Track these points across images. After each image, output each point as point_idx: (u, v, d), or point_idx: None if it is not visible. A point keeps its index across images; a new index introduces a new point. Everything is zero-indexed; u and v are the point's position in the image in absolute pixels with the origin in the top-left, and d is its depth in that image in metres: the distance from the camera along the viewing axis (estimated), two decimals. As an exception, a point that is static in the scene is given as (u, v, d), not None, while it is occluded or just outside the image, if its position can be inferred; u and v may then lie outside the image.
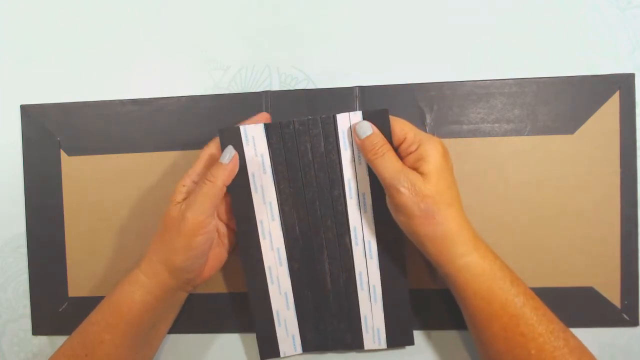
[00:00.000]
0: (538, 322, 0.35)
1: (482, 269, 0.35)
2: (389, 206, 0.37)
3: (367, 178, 0.39)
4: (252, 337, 0.44)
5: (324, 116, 0.38)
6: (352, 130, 0.38)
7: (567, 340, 0.34)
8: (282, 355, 0.41)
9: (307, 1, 0.45)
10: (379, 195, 0.38)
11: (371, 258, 0.40)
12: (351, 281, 0.40)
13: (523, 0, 0.43)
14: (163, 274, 0.38)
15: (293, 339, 0.41)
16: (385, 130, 0.37)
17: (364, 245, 0.39)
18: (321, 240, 0.40)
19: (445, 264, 0.36)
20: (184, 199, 0.37)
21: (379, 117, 0.37)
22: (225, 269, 0.44)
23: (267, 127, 0.38)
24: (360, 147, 0.37)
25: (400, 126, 0.37)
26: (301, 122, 0.38)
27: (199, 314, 0.44)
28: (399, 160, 0.36)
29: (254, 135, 0.38)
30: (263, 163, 0.39)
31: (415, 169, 0.35)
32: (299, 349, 0.41)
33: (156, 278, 0.38)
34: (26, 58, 0.46)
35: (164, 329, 0.41)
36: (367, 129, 0.37)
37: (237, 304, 0.44)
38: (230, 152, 0.37)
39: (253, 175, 0.39)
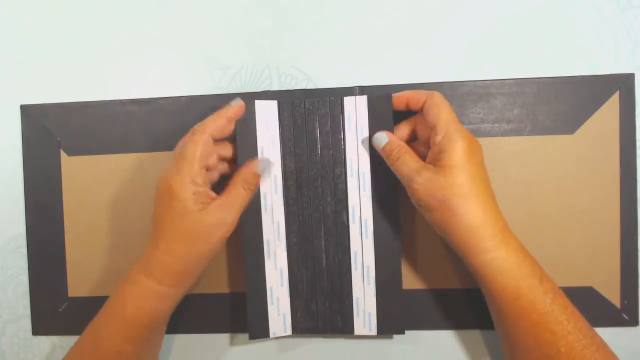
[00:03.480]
0: (567, 320, 0.34)
1: (509, 265, 0.35)
2: (415, 205, 0.37)
3: (368, 158, 0.40)
4: (246, 337, 0.44)
5: (332, 98, 0.40)
6: (373, 142, 0.39)
7: (594, 338, 0.35)
8: (271, 335, 0.41)
9: (307, 1, 0.45)
10: (379, 175, 0.40)
11: (367, 237, 0.40)
12: (346, 260, 0.41)
13: (523, 0, 0.43)
14: (188, 279, 0.38)
15: (284, 318, 0.41)
16: (387, 115, 0.39)
17: (360, 223, 0.40)
18: (320, 217, 0.41)
19: (470, 257, 0.36)
20: (204, 203, 0.37)
21: (382, 102, 0.39)
22: (226, 269, 0.44)
23: (280, 104, 0.40)
24: (382, 155, 0.39)
25: (435, 111, 0.37)
26: (311, 102, 0.40)
27: (198, 314, 0.44)
28: (416, 160, 0.37)
29: (266, 111, 0.40)
30: (272, 138, 0.41)
31: (437, 161, 0.36)
32: (289, 330, 0.41)
33: (181, 287, 0.38)
34: (26, 58, 0.46)
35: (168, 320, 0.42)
36: (384, 138, 0.38)
37: (236, 304, 0.44)
38: (268, 164, 0.40)
39: (262, 149, 0.40)
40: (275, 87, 0.44)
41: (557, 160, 0.42)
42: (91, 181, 0.45)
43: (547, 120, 0.42)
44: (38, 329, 0.45)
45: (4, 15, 0.46)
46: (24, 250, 0.45)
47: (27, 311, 0.45)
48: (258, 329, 0.41)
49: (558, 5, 0.43)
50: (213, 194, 0.38)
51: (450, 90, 0.43)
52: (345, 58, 0.44)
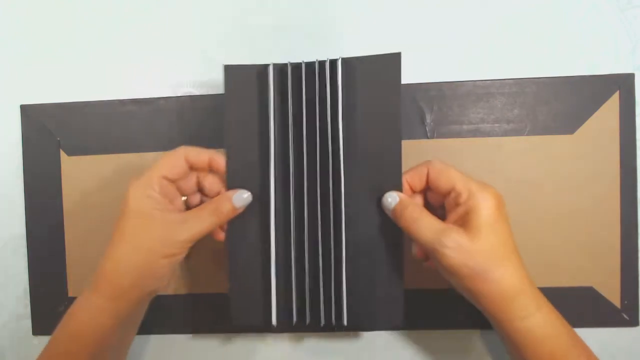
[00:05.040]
0: None
1: (544, 332, 0.33)
2: (438, 269, 0.35)
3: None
4: (246, 338, 0.44)
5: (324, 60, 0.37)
6: (382, 203, 0.36)
7: None
8: (255, 322, 0.38)
9: (307, 1, 0.45)
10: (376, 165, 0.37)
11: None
12: (339, 252, 0.37)
13: (523, 0, 0.43)
14: (135, 292, 0.35)
15: (269, 307, 0.38)
16: (395, 80, 0.36)
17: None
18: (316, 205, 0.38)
19: (502, 323, 0.33)
20: (157, 210, 0.35)
21: (389, 62, 0.37)
22: (223, 269, 0.44)
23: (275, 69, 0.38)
24: (393, 218, 0.36)
25: (447, 174, 0.35)
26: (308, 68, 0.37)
27: (194, 314, 0.44)
28: (437, 220, 0.34)
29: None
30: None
31: (464, 222, 0.33)
32: (274, 321, 0.38)
33: (120, 302, 0.35)
34: (26, 58, 0.46)
35: (132, 336, 0.40)
36: (394, 198, 0.35)
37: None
38: (246, 199, 0.37)
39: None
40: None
41: (557, 160, 0.42)
42: (91, 181, 0.45)
43: (547, 120, 0.42)
44: (38, 329, 0.45)
45: (4, 15, 0.46)
46: (24, 250, 0.45)
47: (27, 311, 0.45)
48: (242, 315, 0.38)
49: (558, 5, 0.43)
50: (171, 208, 0.36)
51: (450, 90, 0.43)
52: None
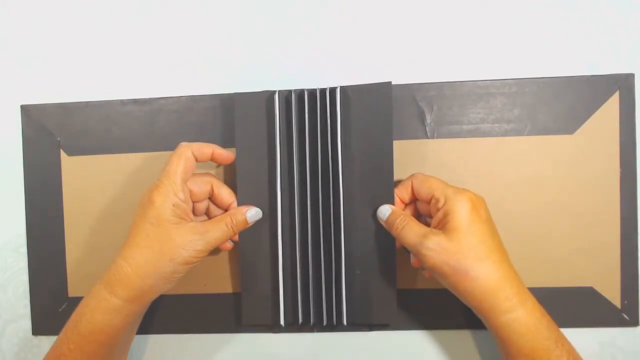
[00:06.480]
0: None
1: (526, 327, 0.34)
2: (429, 271, 0.37)
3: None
4: (246, 337, 0.44)
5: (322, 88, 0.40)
6: (377, 215, 0.39)
7: None
8: (263, 323, 0.42)
9: (307, 1, 0.45)
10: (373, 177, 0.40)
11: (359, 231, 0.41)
12: (338, 253, 0.40)
13: (523, 0, 0.43)
14: (151, 295, 0.37)
15: (277, 309, 0.41)
16: (387, 105, 0.39)
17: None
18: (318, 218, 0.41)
19: (488, 319, 0.35)
20: (181, 219, 0.37)
21: (381, 90, 0.39)
22: (223, 269, 0.44)
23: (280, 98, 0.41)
24: (386, 228, 0.39)
25: (426, 184, 0.37)
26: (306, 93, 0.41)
27: (194, 314, 0.44)
28: (421, 226, 0.36)
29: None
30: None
31: (443, 225, 0.35)
32: (282, 322, 0.41)
33: (134, 304, 0.36)
34: (26, 58, 0.46)
35: (134, 334, 0.41)
36: (386, 210, 0.39)
37: (234, 304, 0.44)
38: (257, 215, 0.40)
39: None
40: (275, 87, 0.44)
41: (557, 160, 0.42)
42: (91, 181, 0.45)
43: (547, 120, 0.42)
44: (38, 329, 0.45)
45: (4, 16, 0.46)
46: (24, 250, 0.45)
47: (27, 311, 0.45)
48: (252, 317, 0.42)
49: (558, 5, 0.43)
50: (193, 216, 0.38)
51: (450, 90, 0.43)
52: (345, 58, 0.44)
